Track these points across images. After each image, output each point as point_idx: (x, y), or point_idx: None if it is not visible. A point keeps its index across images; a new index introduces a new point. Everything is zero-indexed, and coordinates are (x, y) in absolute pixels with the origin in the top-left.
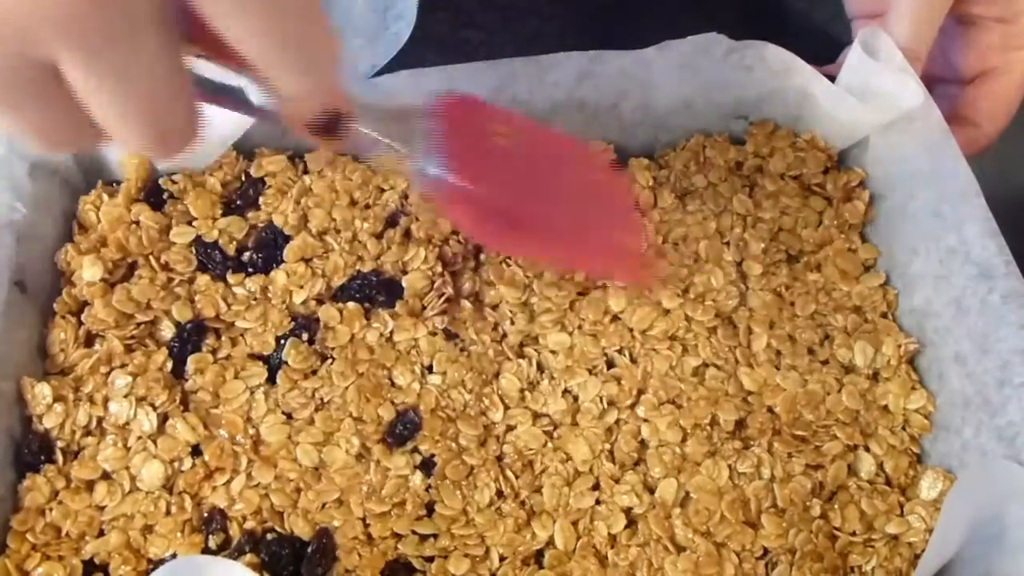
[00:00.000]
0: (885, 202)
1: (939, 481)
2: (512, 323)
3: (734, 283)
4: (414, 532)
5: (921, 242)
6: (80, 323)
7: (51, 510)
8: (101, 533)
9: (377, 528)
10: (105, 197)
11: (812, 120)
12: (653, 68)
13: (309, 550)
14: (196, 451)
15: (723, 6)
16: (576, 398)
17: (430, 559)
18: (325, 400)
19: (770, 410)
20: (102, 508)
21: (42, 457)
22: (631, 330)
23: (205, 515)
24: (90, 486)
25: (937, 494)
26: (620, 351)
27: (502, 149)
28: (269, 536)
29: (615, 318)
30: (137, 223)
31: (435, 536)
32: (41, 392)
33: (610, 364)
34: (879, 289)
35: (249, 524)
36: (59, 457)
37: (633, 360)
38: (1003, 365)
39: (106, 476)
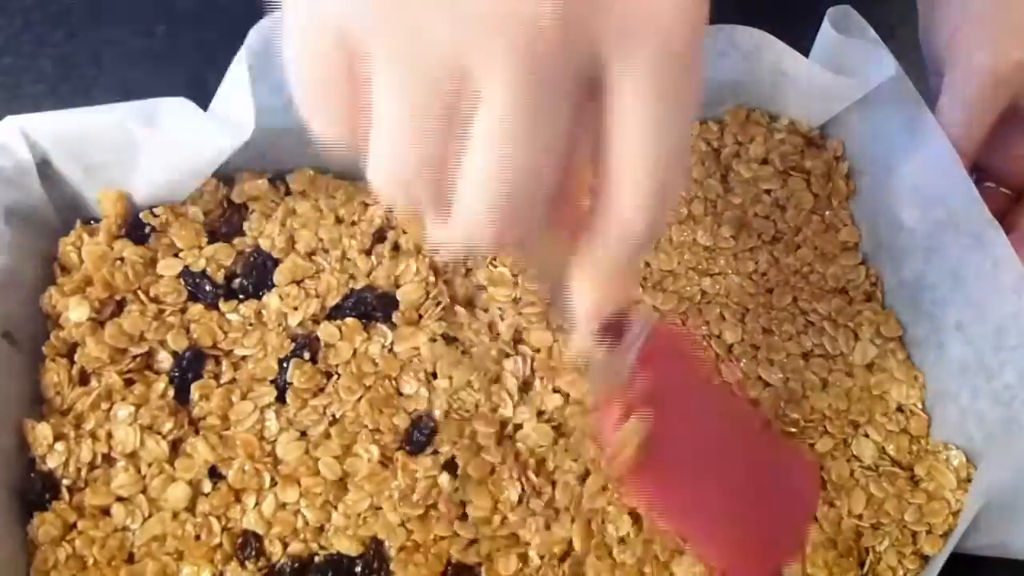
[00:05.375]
0: (865, 177)
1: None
2: (503, 318)
3: (702, 269)
4: (457, 533)
5: (905, 216)
6: (72, 363)
7: (72, 542)
8: (130, 558)
9: (420, 533)
10: (85, 237)
11: (787, 98)
12: None
13: (358, 568)
14: (215, 474)
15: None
16: (567, 396)
17: (479, 563)
18: (337, 416)
19: (755, 403)
20: (125, 531)
21: (47, 496)
22: None
23: (239, 540)
24: (106, 512)
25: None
26: None
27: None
28: (316, 559)
29: None
30: (122, 259)
31: (476, 540)
32: (42, 433)
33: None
34: (857, 268)
35: (294, 547)
36: (65, 494)
37: None
38: (998, 330)
39: (122, 502)
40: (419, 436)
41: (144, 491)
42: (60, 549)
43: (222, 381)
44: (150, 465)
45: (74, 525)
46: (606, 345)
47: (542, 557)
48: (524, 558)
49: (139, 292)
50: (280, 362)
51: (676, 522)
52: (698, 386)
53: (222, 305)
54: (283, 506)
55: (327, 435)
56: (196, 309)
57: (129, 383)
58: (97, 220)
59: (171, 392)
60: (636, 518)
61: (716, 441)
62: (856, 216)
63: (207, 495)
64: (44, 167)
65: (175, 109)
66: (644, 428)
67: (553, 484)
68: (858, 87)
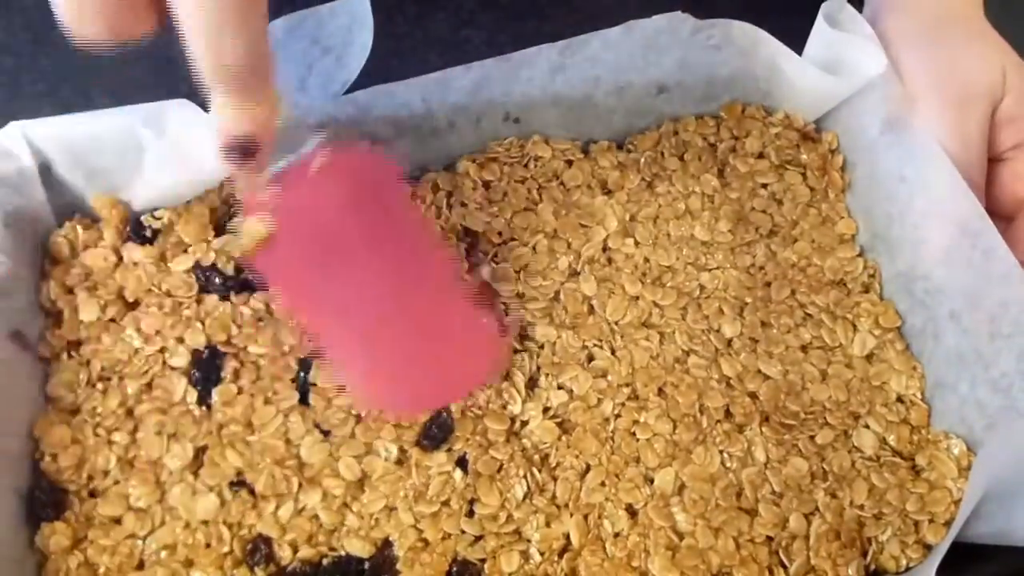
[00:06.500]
0: (857, 170)
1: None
2: (507, 314)
3: (700, 264)
4: (463, 531)
5: (894, 207)
6: (80, 361)
7: (84, 550)
8: (140, 565)
9: (431, 531)
10: (79, 229)
11: (781, 94)
12: (621, 50)
13: (366, 567)
14: (236, 481)
15: None
16: (571, 392)
17: (482, 560)
18: (363, 414)
19: (754, 396)
20: (134, 537)
21: (57, 503)
22: (607, 321)
23: (249, 546)
24: (117, 521)
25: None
26: (600, 344)
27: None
28: (325, 561)
29: (591, 309)
30: (135, 263)
31: (481, 537)
32: (56, 436)
33: (591, 358)
34: (854, 260)
35: (304, 551)
36: (76, 502)
37: (614, 352)
38: (991, 318)
39: (135, 512)
40: (436, 432)
41: (161, 500)
42: (72, 557)
43: (241, 383)
44: (171, 473)
45: (84, 538)
46: (238, 161)
47: (542, 553)
48: (525, 555)
49: (152, 289)
50: (300, 360)
51: (309, 319)
52: (377, 216)
53: (233, 298)
54: (302, 510)
55: (352, 435)
56: (209, 303)
57: (149, 387)
58: (95, 219)
59: (194, 397)
60: (632, 513)
61: (382, 269)
62: (852, 208)
63: (225, 504)
64: (45, 172)
65: (183, 116)
66: (260, 229)
67: (555, 480)
68: (848, 85)
